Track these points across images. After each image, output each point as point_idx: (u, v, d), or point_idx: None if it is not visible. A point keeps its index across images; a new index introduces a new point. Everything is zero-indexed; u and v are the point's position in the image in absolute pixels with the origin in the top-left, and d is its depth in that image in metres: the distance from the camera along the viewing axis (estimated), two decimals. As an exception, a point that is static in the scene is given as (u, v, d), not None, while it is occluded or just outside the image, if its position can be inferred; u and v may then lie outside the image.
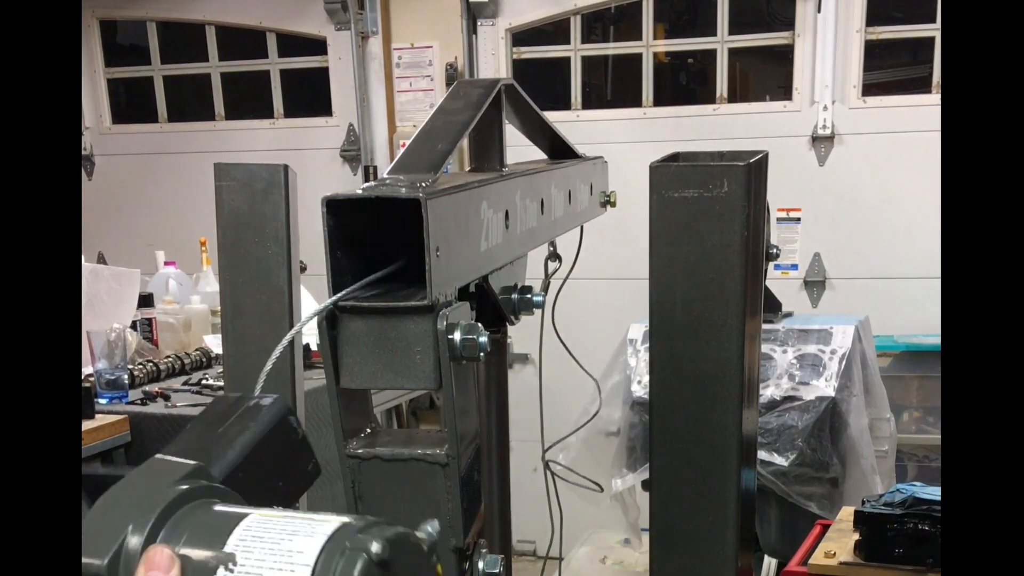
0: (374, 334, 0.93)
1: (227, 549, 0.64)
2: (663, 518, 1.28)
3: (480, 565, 1.00)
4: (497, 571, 1.01)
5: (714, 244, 1.17)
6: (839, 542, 2.06)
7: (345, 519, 0.64)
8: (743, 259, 1.17)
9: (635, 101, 4.23)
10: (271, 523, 0.65)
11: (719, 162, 1.21)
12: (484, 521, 1.06)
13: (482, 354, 0.93)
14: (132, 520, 0.65)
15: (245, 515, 0.66)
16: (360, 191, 0.93)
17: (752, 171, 1.17)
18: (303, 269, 1.39)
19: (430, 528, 0.67)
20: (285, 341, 0.98)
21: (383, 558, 0.62)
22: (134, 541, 0.64)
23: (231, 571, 0.63)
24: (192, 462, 0.70)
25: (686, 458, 1.23)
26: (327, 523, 0.64)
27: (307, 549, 0.63)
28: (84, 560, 0.64)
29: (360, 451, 0.98)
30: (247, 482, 0.73)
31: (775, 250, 1.59)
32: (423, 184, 0.95)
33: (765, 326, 2.88)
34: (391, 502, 0.98)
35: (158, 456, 0.69)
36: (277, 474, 0.80)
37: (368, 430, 1.01)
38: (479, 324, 0.95)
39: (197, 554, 0.64)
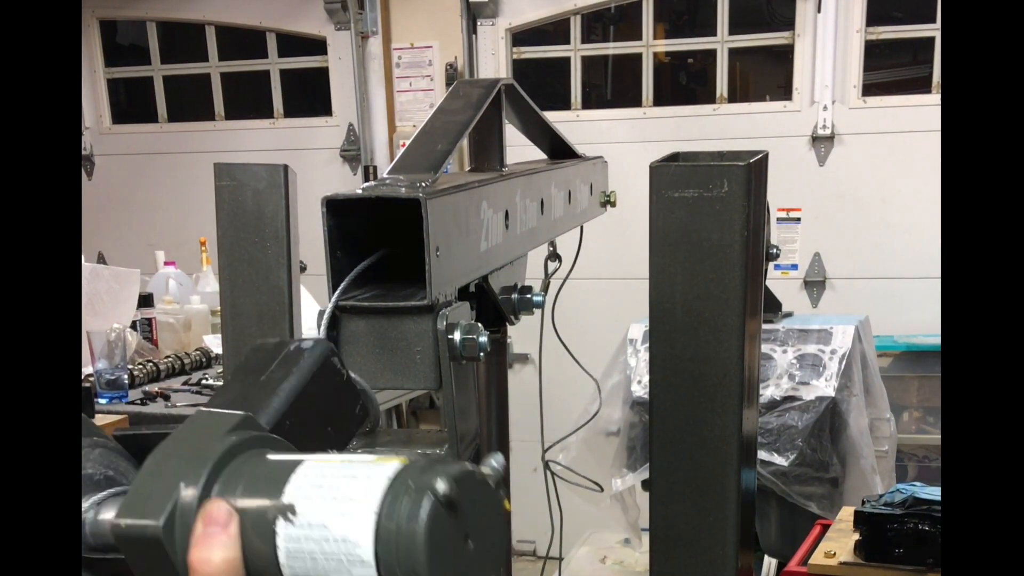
0: (374, 334, 0.93)
1: (285, 499, 0.61)
2: (663, 518, 1.28)
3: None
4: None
5: (714, 244, 1.17)
6: (839, 542, 2.06)
7: (405, 459, 0.61)
8: (743, 259, 1.17)
9: (635, 101, 4.23)
10: (328, 468, 0.62)
11: (719, 162, 1.21)
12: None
13: (482, 354, 0.93)
14: (184, 476, 0.63)
15: (300, 462, 0.63)
16: (360, 191, 0.93)
17: (752, 171, 1.17)
18: (303, 269, 1.39)
19: (494, 462, 0.64)
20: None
21: (450, 496, 0.59)
22: (188, 497, 0.62)
23: (291, 521, 0.61)
24: (239, 412, 0.67)
25: (686, 458, 1.23)
26: (387, 464, 0.61)
27: (369, 493, 0.60)
28: (140, 521, 0.62)
29: (359, 450, 0.97)
30: (296, 429, 0.71)
31: (775, 250, 1.59)
32: (423, 184, 0.95)
33: (765, 326, 2.88)
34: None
35: (202, 409, 0.67)
36: (325, 419, 0.78)
37: (367, 429, 1.01)
38: (479, 324, 0.95)
39: (254, 506, 0.62)
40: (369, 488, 0.60)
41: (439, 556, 0.59)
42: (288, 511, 0.61)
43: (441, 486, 0.59)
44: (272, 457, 0.66)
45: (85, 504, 0.69)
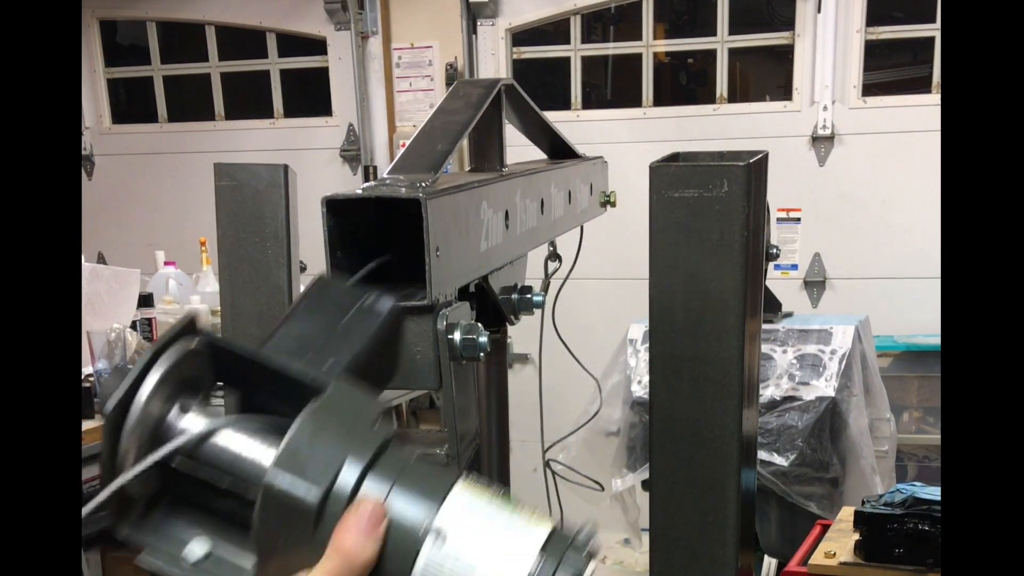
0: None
1: (438, 522, 0.63)
2: (663, 518, 1.28)
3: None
4: None
5: (714, 244, 1.17)
6: (839, 542, 2.06)
7: (552, 523, 0.65)
8: (743, 259, 1.17)
9: (635, 101, 4.23)
10: (482, 504, 0.65)
11: (719, 162, 1.21)
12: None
13: (482, 354, 0.93)
14: (344, 457, 0.64)
15: (453, 483, 0.65)
16: (360, 191, 0.93)
17: (752, 171, 1.17)
18: (303, 269, 1.39)
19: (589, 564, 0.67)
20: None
21: (595, 553, 0.63)
22: (347, 478, 0.63)
23: (439, 545, 0.63)
24: (380, 401, 0.69)
25: (686, 458, 1.23)
26: (541, 526, 0.64)
27: (525, 551, 0.63)
28: (295, 486, 0.62)
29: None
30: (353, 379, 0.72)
31: (775, 250, 1.59)
32: (423, 184, 0.95)
33: (765, 326, 2.88)
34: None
35: (339, 383, 0.67)
36: (378, 377, 0.79)
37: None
38: (479, 324, 0.95)
39: (408, 516, 0.64)
40: (525, 546, 0.63)
41: None
42: (440, 535, 0.63)
43: (589, 569, 0.63)
44: (424, 465, 0.67)
45: (174, 411, 0.67)
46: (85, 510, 0.65)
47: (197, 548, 0.67)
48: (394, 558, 0.63)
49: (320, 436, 0.64)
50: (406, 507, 0.64)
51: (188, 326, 0.68)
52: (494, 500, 0.66)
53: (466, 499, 0.65)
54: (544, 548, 0.63)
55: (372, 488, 0.64)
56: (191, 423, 0.67)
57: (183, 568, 0.67)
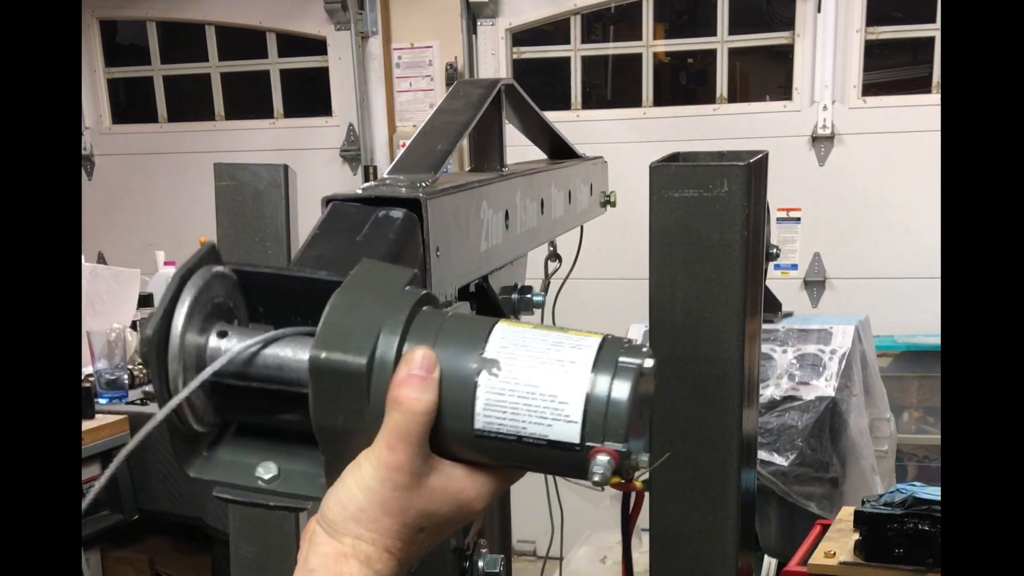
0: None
1: (488, 355, 0.65)
2: (663, 518, 1.28)
3: (480, 565, 1.00)
4: (497, 571, 1.01)
5: (714, 244, 1.17)
6: (839, 542, 2.06)
7: (604, 335, 0.66)
8: (743, 259, 1.17)
9: (635, 101, 4.23)
10: (526, 332, 0.66)
11: (719, 162, 1.21)
12: (484, 521, 1.06)
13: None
14: (382, 320, 0.65)
15: (494, 323, 0.67)
16: (360, 191, 0.93)
17: (752, 171, 1.17)
18: (303, 269, 1.39)
19: (649, 361, 0.67)
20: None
21: (651, 374, 0.65)
22: (389, 339, 0.64)
23: (495, 375, 0.64)
24: (409, 269, 0.70)
25: (686, 458, 1.23)
26: (591, 337, 0.66)
27: (581, 359, 0.64)
28: (339, 356, 0.64)
29: None
30: None
31: (775, 250, 1.59)
32: (423, 184, 0.95)
33: (765, 326, 2.88)
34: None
35: (367, 260, 0.69)
36: None
37: None
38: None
39: (457, 357, 0.65)
40: (581, 355, 0.64)
41: (635, 424, 0.64)
42: (493, 366, 0.64)
43: (649, 364, 0.64)
44: (461, 314, 0.69)
45: (216, 338, 0.68)
46: (134, 440, 0.66)
47: (266, 470, 0.69)
48: (454, 399, 0.65)
49: (355, 308, 0.66)
50: (454, 350, 0.65)
51: (209, 253, 0.69)
52: (538, 328, 0.67)
53: (511, 332, 0.66)
54: (598, 355, 0.64)
55: (416, 342, 0.65)
56: (232, 343, 0.68)
57: (258, 489, 0.69)
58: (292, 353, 0.68)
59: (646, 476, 0.67)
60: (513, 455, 0.65)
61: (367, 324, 0.65)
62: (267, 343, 0.68)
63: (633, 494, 0.68)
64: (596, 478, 0.63)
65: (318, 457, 0.66)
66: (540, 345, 0.65)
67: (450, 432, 0.65)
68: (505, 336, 0.66)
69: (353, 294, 0.66)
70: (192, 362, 0.67)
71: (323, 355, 0.64)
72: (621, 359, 0.64)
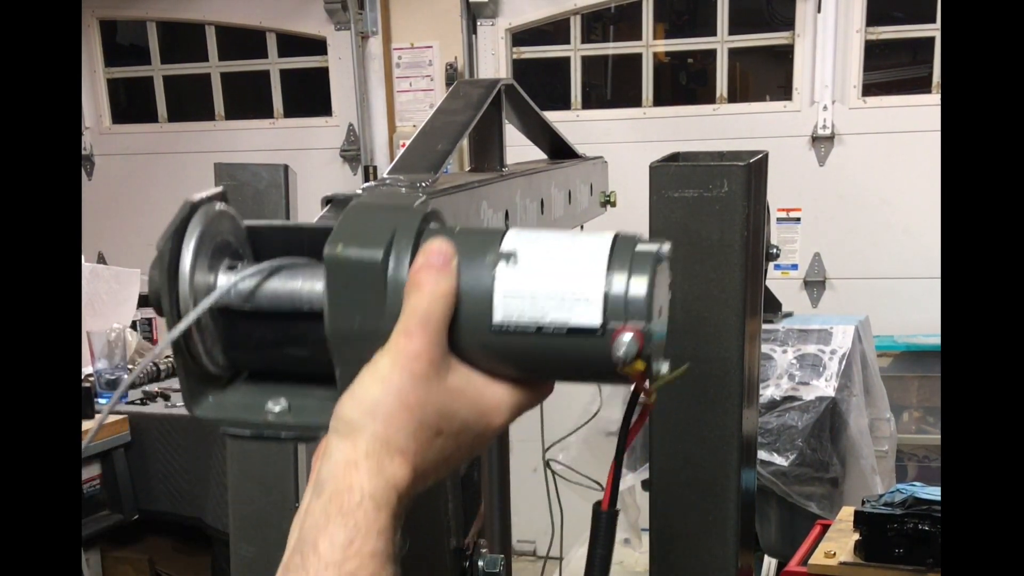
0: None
1: (504, 249, 0.64)
2: (663, 518, 1.28)
3: (480, 565, 1.00)
4: (497, 571, 1.01)
5: (714, 244, 1.17)
6: (839, 542, 2.06)
7: (615, 231, 0.66)
8: (743, 259, 1.17)
9: (635, 101, 4.22)
10: (538, 232, 0.66)
11: (719, 162, 1.21)
12: (484, 521, 1.06)
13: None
14: (397, 222, 0.65)
15: (505, 229, 0.66)
16: (360, 191, 0.93)
17: (752, 171, 1.17)
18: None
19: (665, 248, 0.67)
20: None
21: (668, 259, 0.64)
22: (404, 235, 0.64)
23: (513, 265, 0.63)
24: (420, 195, 0.70)
25: (686, 458, 1.23)
26: (601, 233, 0.65)
27: (598, 247, 0.64)
28: (355, 251, 0.63)
29: None
30: None
31: (775, 250, 1.59)
32: (423, 184, 0.95)
33: (765, 326, 2.88)
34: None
35: (370, 186, 0.71)
36: None
37: None
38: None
39: (474, 250, 0.64)
40: (597, 244, 0.64)
41: (657, 307, 0.63)
42: (510, 257, 0.64)
43: (666, 248, 0.64)
44: (474, 227, 0.69)
45: (223, 273, 0.68)
46: (135, 373, 0.66)
47: (275, 404, 0.68)
48: (471, 293, 0.64)
49: (369, 213, 0.66)
50: (470, 247, 0.65)
51: (219, 194, 0.69)
52: (550, 230, 0.68)
53: (524, 231, 0.66)
54: (615, 243, 0.64)
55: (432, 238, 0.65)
56: (241, 273, 0.68)
57: (268, 424, 0.68)
58: (302, 282, 0.67)
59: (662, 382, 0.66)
60: (533, 353, 0.64)
61: (382, 224, 0.65)
62: (277, 269, 0.68)
63: (638, 409, 0.68)
64: (620, 354, 0.61)
65: (330, 393, 0.65)
66: (555, 240, 0.65)
67: (468, 330, 0.64)
68: (520, 234, 0.65)
69: (366, 204, 0.67)
70: (203, 293, 0.66)
71: (339, 248, 0.63)
72: (639, 246, 0.64)
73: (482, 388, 0.65)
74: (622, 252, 0.63)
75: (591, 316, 0.62)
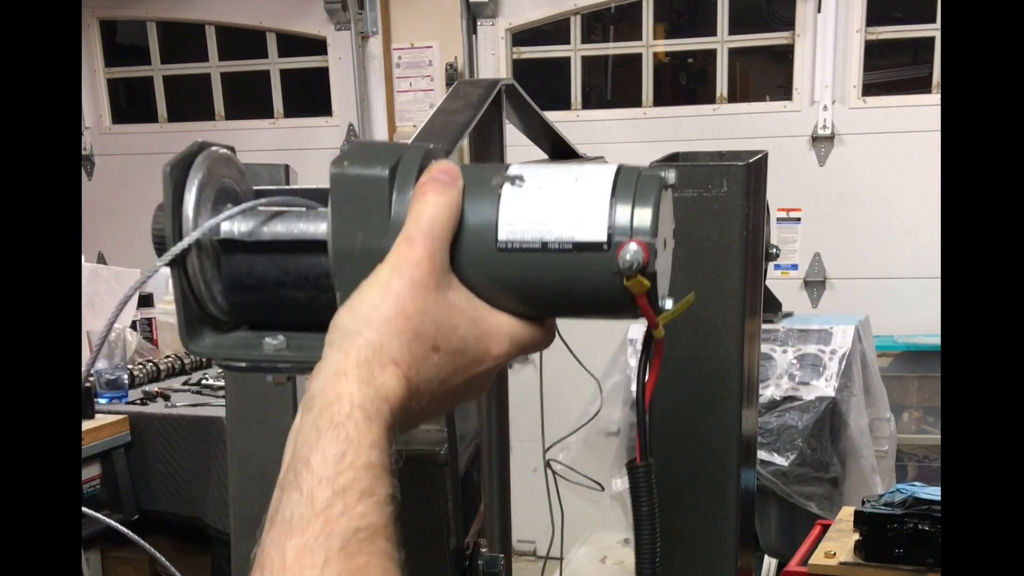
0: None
1: (510, 173, 0.65)
2: (663, 518, 1.28)
3: (480, 564, 1.01)
4: (497, 571, 1.01)
5: (713, 244, 1.17)
6: (839, 542, 2.06)
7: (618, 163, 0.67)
8: (742, 259, 1.17)
9: (635, 101, 4.23)
10: (544, 163, 0.68)
11: (718, 162, 1.21)
12: (484, 520, 1.06)
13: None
14: (403, 150, 0.66)
15: (510, 163, 0.67)
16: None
17: (751, 171, 1.17)
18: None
19: (672, 175, 0.68)
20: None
21: (673, 186, 0.66)
22: (409, 158, 0.65)
23: (518, 185, 0.64)
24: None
25: (686, 458, 1.23)
26: (606, 163, 0.66)
27: (603, 170, 0.65)
28: (361, 168, 0.64)
29: None
30: None
31: (775, 250, 1.58)
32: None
33: (765, 326, 2.88)
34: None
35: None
36: None
37: None
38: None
39: (479, 175, 0.65)
40: (602, 169, 0.65)
41: (660, 227, 0.64)
42: (516, 179, 0.64)
43: (671, 176, 0.65)
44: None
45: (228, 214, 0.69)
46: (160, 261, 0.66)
47: (273, 339, 0.69)
48: (478, 209, 0.64)
49: (374, 145, 0.70)
50: (476, 172, 0.66)
51: (228, 147, 0.71)
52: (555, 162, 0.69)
53: (528, 165, 0.67)
54: (620, 168, 0.65)
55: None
56: (243, 205, 0.68)
57: (266, 358, 0.68)
58: (302, 218, 0.68)
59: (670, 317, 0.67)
60: (538, 272, 0.64)
61: (388, 151, 0.65)
62: (276, 203, 0.69)
63: (652, 351, 0.68)
64: (625, 262, 0.61)
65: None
66: (560, 167, 0.66)
67: (473, 250, 0.64)
68: (525, 164, 0.66)
69: (367, 142, 0.68)
70: (206, 233, 0.67)
71: (345, 165, 0.64)
72: (643, 171, 0.65)
73: (483, 311, 0.64)
74: (627, 176, 0.64)
75: (597, 231, 0.63)
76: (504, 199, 0.64)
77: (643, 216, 0.63)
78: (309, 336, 0.68)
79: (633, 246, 0.62)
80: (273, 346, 0.68)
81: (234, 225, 0.68)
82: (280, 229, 0.68)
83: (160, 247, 0.67)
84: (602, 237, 0.63)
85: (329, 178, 0.64)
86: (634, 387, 2.96)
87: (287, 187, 0.74)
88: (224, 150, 0.70)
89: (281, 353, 0.68)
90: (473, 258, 0.64)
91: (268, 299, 0.69)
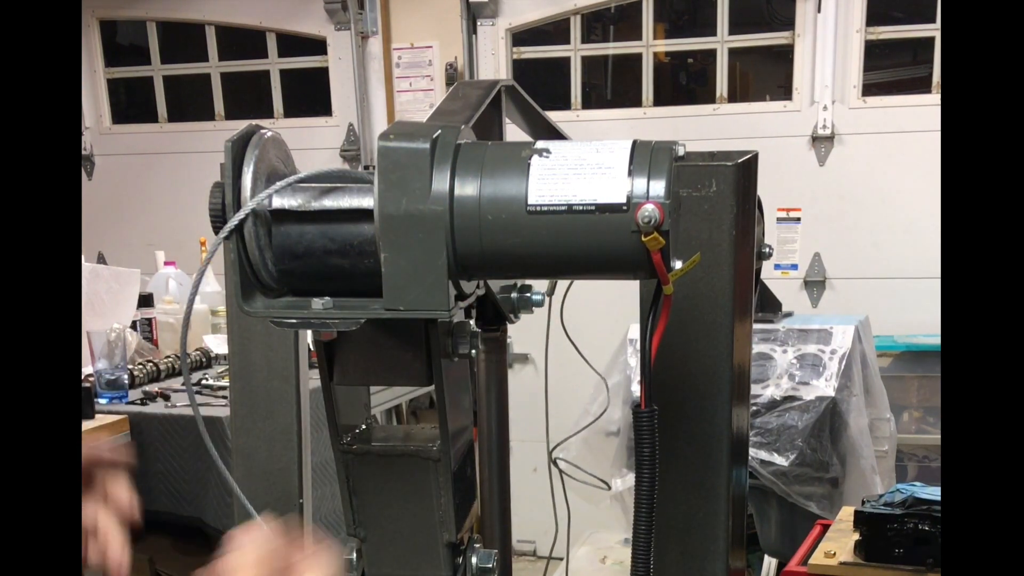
0: (367, 332, 0.93)
1: (537, 146, 0.74)
2: (656, 513, 1.28)
3: (473, 560, 1.01)
4: (490, 566, 1.01)
5: (703, 243, 1.17)
6: (839, 542, 2.06)
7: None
8: (732, 258, 1.17)
9: (635, 101, 4.23)
10: (564, 142, 0.76)
11: (708, 162, 1.21)
12: (477, 516, 1.06)
13: (474, 351, 0.94)
14: (440, 130, 0.75)
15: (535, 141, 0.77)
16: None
17: (741, 171, 1.17)
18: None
19: (680, 149, 0.77)
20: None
21: (683, 157, 0.74)
22: (447, 134, 0.75)
23: (545, 157, 0.73)
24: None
25: (676, 457, 1.23)
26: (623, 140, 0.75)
27: (619, 143, 0.74)
28: (406, 141, 0.73)
29: (355, 446, 0.98)
30: None
31: (768, 249, 1.58)
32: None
33: (765, 326, 2.88)
34: (385, 496, 0.98)
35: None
36: None
37: (363, 426, 1.02)
38: (470, 321, 0.95)
39: (509, 150, 0.75)
40: (620, 143, 0.74)
41: (673, 193, 0.73)
42: (543, 151, 0.74)
43: (680, 149, 0.74)
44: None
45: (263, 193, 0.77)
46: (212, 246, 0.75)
47: (320, 301, 0.77)
48: (509, 179, 0.73)
49: (415, 124, 0.76)
50: (506, 147, 0.75)
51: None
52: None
53: (551, 142, 0.75)
54: (636, 143, 0.74)
55: (470, 140, 0.77)
56: (293, 177, 0.78)
57: (315, 315, 0.77)
58: (349, 196, 0.77)
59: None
60: (564, 234, 0.72)
61: (428, 129, 0.74)
62: (323, 177, 0.78)
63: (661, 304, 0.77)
64: (644, 219, 0.70)
65: (371, 300, 0.74)
66: (580, 143, 0.75)
67: (506, 216, 0.72)
68: (550, 142, 0.75)
69: (400, 125, 0.77)
70: (262, 204, 0.75)
71: (391, 138, 0.73)
72: (657, 143, 0.73)
73: None
74: (643, 147, 0.73)
75: (617, 194, 0.72)
76: (533, 168, 0.72)
77: (658, 180, 0.72)
78: (350, 300, 0.77)
79: (650, 206, 0.71)
80: (321, 304, 0.76)
81: (286, 198, 0.77)
82: (327, 201, 0.78)
83: (216, 220, 0.75)
84: (622, 199, 0.72)
85: (376, 150, 0.73)
86: (634, 387, 2.97)
87: (329, 169, 0.83)
88: (274, 133, 0.80)
89: (329, 311, 0.76)
90: (506, 221, 0.72)
91: (314, 266, 0.78)
